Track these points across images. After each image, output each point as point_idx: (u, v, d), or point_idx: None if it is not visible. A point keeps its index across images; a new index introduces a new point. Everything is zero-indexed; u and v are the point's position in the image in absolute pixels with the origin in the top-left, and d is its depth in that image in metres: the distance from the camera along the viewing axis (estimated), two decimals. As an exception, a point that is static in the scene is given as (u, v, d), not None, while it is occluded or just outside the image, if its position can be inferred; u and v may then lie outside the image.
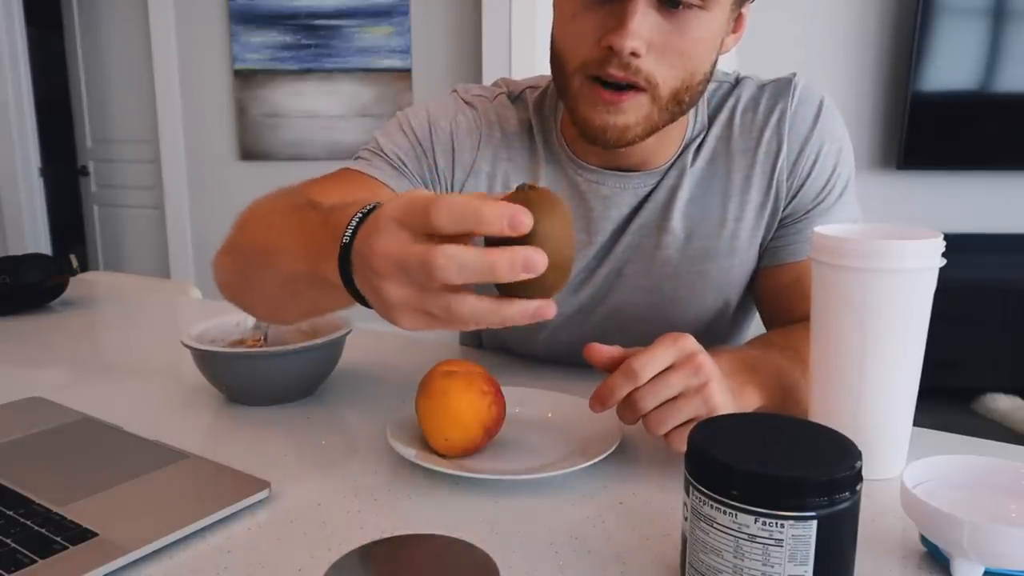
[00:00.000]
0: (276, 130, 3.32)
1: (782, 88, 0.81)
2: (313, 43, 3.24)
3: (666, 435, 0.57)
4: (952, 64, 2.87)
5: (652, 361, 0.56)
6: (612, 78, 0.69)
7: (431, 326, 0.45)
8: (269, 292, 0.60)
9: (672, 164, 0.81)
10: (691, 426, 0.47)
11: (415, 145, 0.82)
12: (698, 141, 0.82)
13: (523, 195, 0.45)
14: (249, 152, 3.35)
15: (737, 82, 0.84)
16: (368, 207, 0.47)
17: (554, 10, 0.74)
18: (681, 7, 0.67)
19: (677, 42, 0.68)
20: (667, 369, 0.56)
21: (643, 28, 0.66)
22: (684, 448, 0.48)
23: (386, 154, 0.82)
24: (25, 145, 3.55)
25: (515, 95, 0.87)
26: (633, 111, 0.71)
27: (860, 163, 3.08)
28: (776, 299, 0.83)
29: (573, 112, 0.74)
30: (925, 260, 0.56)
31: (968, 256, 2.79)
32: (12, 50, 3.46)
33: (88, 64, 3.67)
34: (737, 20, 0.74)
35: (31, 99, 3.55)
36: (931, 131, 2.92)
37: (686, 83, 0.71)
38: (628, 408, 0.57)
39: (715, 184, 0.81)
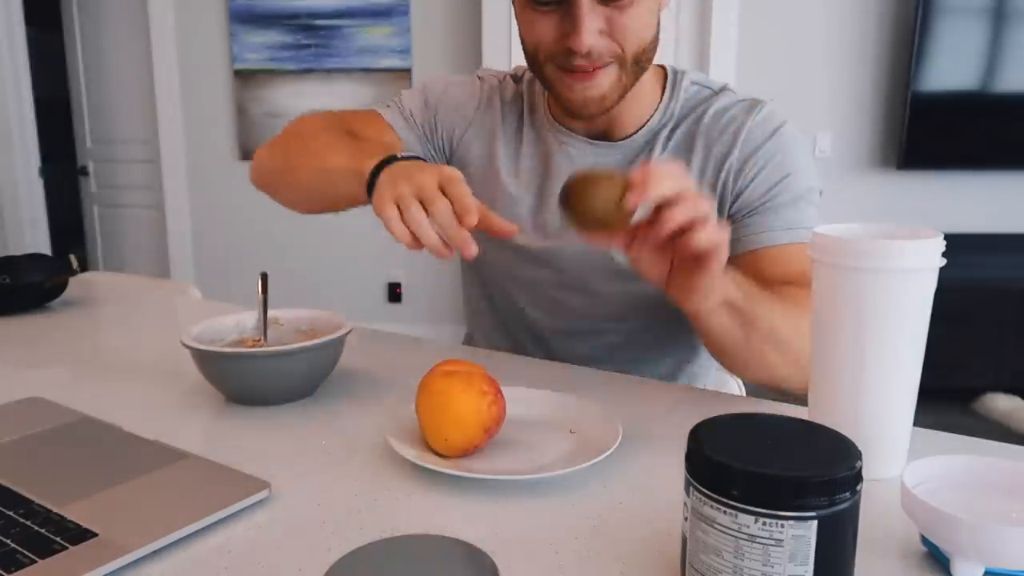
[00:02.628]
0: (276, 130, 3.31)
1: (751, 106, 0.91)
2: (313, 43, 3.24)
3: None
4: (952, 64, 2.87)
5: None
6: (582, 69, 0.82)
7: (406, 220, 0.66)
8: (308, 177, 0.89)
9: (640, 144, 0.92)
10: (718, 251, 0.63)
11: (425, 103, 1.01)
12: (668, 129, 0.92)
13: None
14: (249, 152, 3.35)
15: (720, 91, 0.93)
16: (396, 156, 0.74)
17: (516, 13, 0.86)
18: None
19: (622, 21, 0.80)
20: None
21: (593, 25, 0.78)
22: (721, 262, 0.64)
23: (403, 106, 1.02)
24: (25, 145, 3.55)
25: (519, 75, 1.03)
26: (606, 80, 0.83)
27: (860, 163, 3.09)
28: None
29: (554, 93, 0.88)
30: (925, 260, 0.56)
31: (968, 256, 2.79)
32: (12, 50, 3.46)
33: (88, 64, 3.67)
34: None
35: (31, 99, 3.55)
36: (931, 131, 2.92)
37: (642, 47, 0.83)
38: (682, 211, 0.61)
39: None
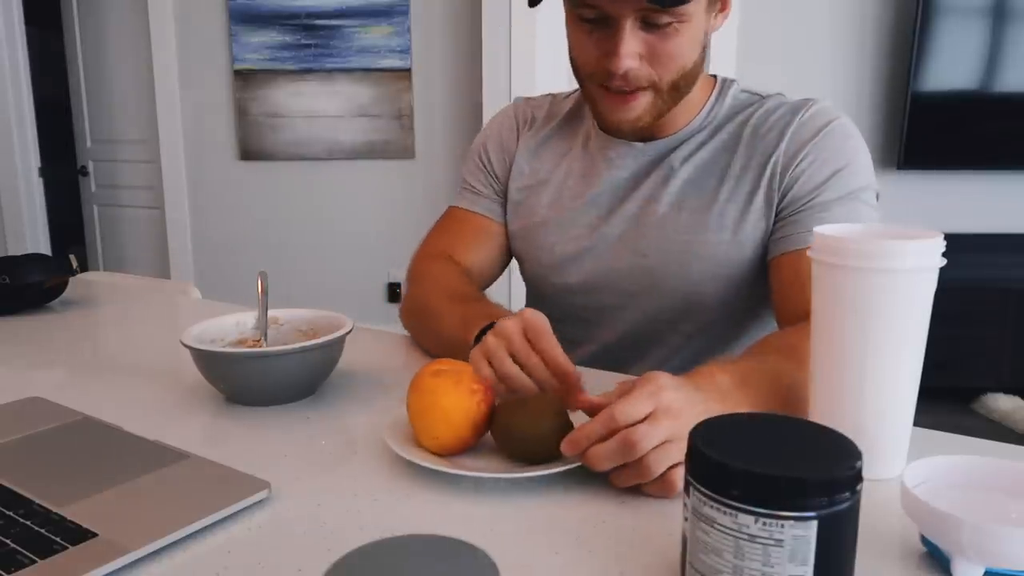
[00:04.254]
0: (276, 130, 3.32)
1: (799, 106, 0.90)
2: (313, 43, 3.24)
3: (653, 483, 0.55)
4: (952, 64, 2.87)
5: (631, 408, 0.54)
6: (619, 91, 0.83)
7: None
8: (431, 340, 0.93)
9: (679, 145, 0.93)
10: (676, 472, 0.54)
11: (478, 165, 1.07)
12: (706, 132, 0.93)
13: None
14: (249, 152, 3.35)
15: (769, 97, 0.94)
16: (489, 325, 0.75)
17: (566, 26, 0.87)
18: (660, 20, 0.78)
19: (665, 49, 0.80)
20: (647, 417, 0.54)
21: (632, 48, 0.79)
22: (676, 490, 0.54)
23: (469, 185, 1.08)
24: (25, 145, 3.55)
25: (560, 95, 1.08)
26: (641, 106, 0.85)
27: (860, 163, 3.09)
28: (781, 292, 0.86)
29: (592, 109, 0.91)
30: (925, 260, 0.56)
31: (968, 256, 2.78)
32: (12, 50, 3.46)
33: (88, 64, 3.67)
34: (722, 2, 0.84)
35: (31, 99, 3.55)
36: (931, 131, 2.92)
37: (681, 74, 0.83)
38: (610, 455, 0.54)
39: (715, 169, 0.91)
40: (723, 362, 0.64)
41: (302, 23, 3.22)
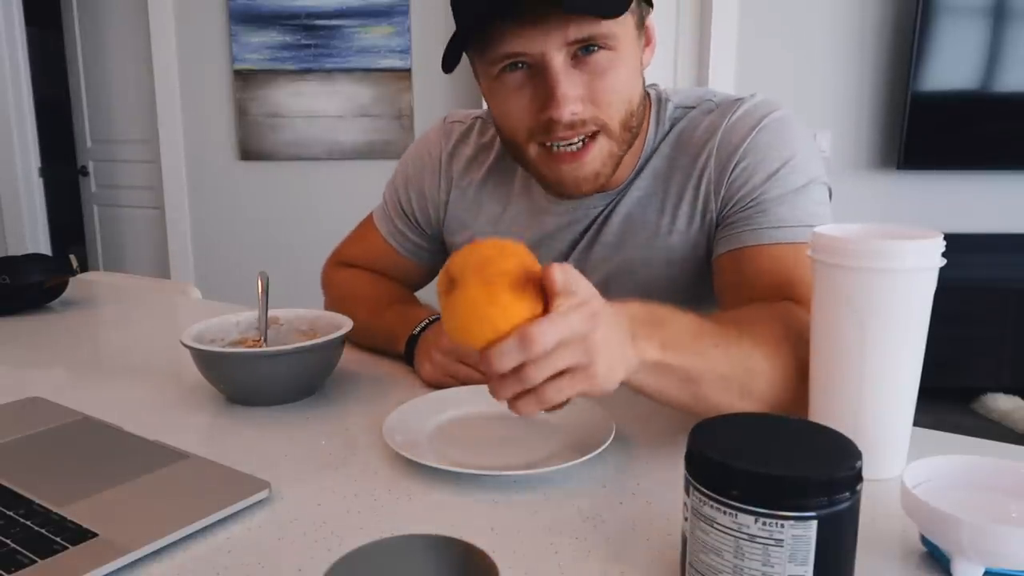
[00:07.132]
0: (276, 130, 3.32)
1: (727, 108, 0.82)
2: (313, 43, 3.24)
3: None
4: (952, 64, 2.87)
5: (551, 331, 0.47)
6: (565, 140, 0.74)
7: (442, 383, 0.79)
8: (361, 336, 0.93)
9: (626, 193, 0.86)
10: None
11: (398, 209, 1.02)
12: (645, 162, 0.86)
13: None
14: (249, 152, 3.35)
15: (698, 105, 0.86)
16: (423, 325, 0.86)
17: (486, 97, 0.79)
18: (592, 53, 0.71)
19: (603, 84, 0.73)
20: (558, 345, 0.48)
21: (571, 89, 0.71)
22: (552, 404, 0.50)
23: (391, 218, 1.03)
24: (25, 145, 3.55)
25: (489, 119, 0.95)
26: (597, 156, 0.76)
27: (860, 163, 3.09)
28: (720, 296, 0.81)
29: (539, 176, 0.81)
30: (925, 260, 0.56)
31: (968, 256, 2.78)
32: (12, 50, 3.46)
33: (88, 64, 3.66)
34: (645, 35, 0.79)
35: (31, 99, 3.55)
36: (931, 131, 2.92)
37: (628, 110, 0.76)
38: (512, 382, 0.49)
39: (654, 201, 0.85)
40: (637, 301, 0.58)
41: (302, 23, 3.22)
